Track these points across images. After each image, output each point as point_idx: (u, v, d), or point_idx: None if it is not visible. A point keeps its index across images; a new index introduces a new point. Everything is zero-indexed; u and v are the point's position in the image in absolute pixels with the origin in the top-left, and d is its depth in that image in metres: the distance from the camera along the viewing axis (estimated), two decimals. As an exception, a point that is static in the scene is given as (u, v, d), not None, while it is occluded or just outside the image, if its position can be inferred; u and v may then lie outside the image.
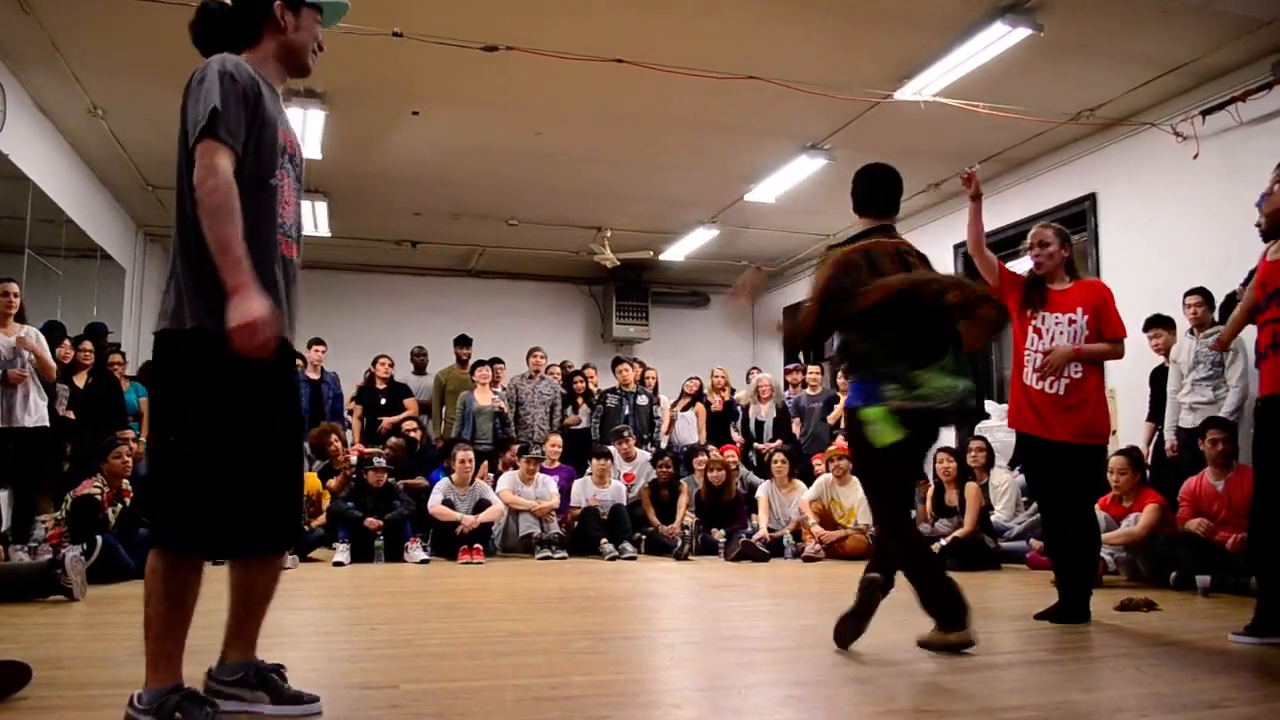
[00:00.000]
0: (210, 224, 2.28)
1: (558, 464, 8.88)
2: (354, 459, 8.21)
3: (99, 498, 5.94)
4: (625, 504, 8.29)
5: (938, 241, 10.00)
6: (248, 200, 2.37)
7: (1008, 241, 8.95)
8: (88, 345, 7.79)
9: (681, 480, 8.63)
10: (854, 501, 7.98)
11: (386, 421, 9.54)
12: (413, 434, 8.88)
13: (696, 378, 10.30)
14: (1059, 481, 4.40)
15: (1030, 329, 4.46)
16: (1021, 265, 4.91)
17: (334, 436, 8.20)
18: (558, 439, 9.02)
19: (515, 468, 8.49)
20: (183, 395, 2.39)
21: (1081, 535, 4.42)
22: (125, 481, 6.26)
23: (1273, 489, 3.51)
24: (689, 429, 9.94)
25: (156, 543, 2.41)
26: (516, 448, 8.85)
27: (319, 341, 9.56)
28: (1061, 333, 4.38)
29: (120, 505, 6.12)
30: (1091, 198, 8.07)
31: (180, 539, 2.38)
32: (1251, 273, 4.71)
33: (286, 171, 2.59)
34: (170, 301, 2.41)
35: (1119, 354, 4.48)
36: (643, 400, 9.75)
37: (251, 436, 2.42)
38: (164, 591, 2.35)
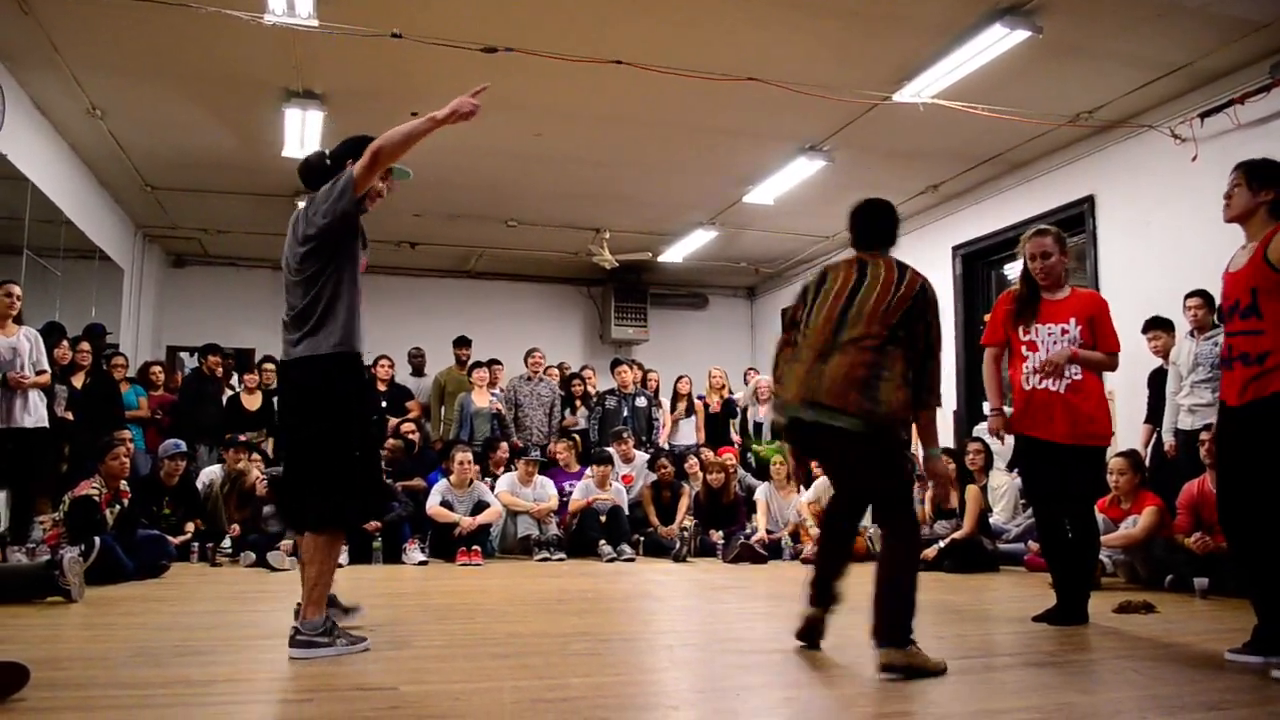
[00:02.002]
0: (400, 140, 3.59)
1: (577, 468, 8.83)
2: None
3: (97, 499, 5.94)
4: (626, 506, 8.28)
5: (937, 243, 10.03)
6: (349, 276, 3.58)
7: (1007, 244, 8.96)
8: (86, 346, 7.77)
9: (682, 483, 8.62)
10: (852, 503, 7.97)
11: (394, 423, 9.55)
12: (410, 435, 8.87)
13: (686, 376, 10.28)
14: (1059, 483, 4.38)
15: (1025, 347, 4.44)
16: (1013, 268, 4.91)
17: None
18: (565, 445, 8.99)
19: (506, 468, 8.50)
20: (357, 399, 3.57)
21: (1082, 537, 4.41)
22: (123, 482, 6.25)
23: (1235, 495, 3.48)
24: (689, 431, 9.94)
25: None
26: (505, 446, 8.85)
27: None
28: (1055, 342, 4.38)
29: (118, 506, 6.11)
30: (1090, 200, 8.08)
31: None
32: None
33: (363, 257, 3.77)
34: (338, 331, 3.48)
35: (1113, 366, 4.46)
36: (641, 402, 9.74)
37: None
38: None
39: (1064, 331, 4.37)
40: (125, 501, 6.18)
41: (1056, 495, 4.42)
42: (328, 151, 3.90)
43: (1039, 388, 4.38)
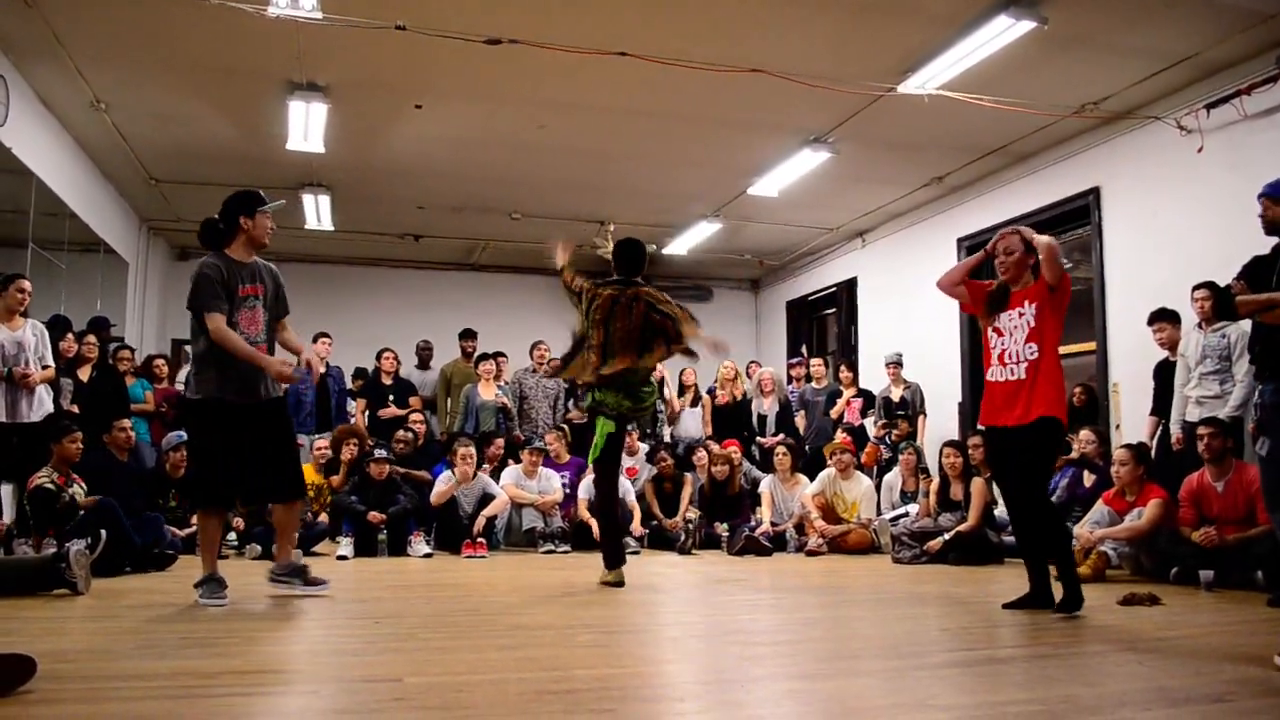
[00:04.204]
0: (235, 352, 4.44)
1: (567, 458, 8.84)
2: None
3: (51, 486, 5.87)
4: (633, 498, 8.27)
5: (941, 234, 10.02)
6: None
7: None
8: (91, 339, 7.79)
9: (685, 474, 8.62)
10: (857, 495, 7.98)
11: (385, 413, 9.54)
12: (417, 426, 8.89)
13: (691, 367, 10.22)
14: (1023, 466, 4.47)
15: (993, 331, 4.60)
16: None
17: (352, 441, 8.20)
18: (554, 435, 8.97)
19: (501, 463, 8.51)
20: (204, 433, 4.61)
21: (1041, 518, 4.48)
22: (71, 472, 6.11)
23: None
24: (695, 423, 9.91)
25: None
26: (501, 441, 8.87)
27: (324, 335, 9.56)
28: (1015, 325, 4.50)
29: (73, 490, 6.02)
30: (1095, 191, 8.05)
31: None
32: (1245, 266, 4.69)
33: (248, 307, 4.57)
34: (196, 383, 4.55)
35: (1056, 262, 4.41)
36: (646, 394, 9.71)
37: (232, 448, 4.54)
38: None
39: (1020, 314, 4.48)
40: (81, 486, 6.09)
41: (1020, 483, 4.52)
42: (218, 215, 4.66)
43: (999, 381, 4.51)
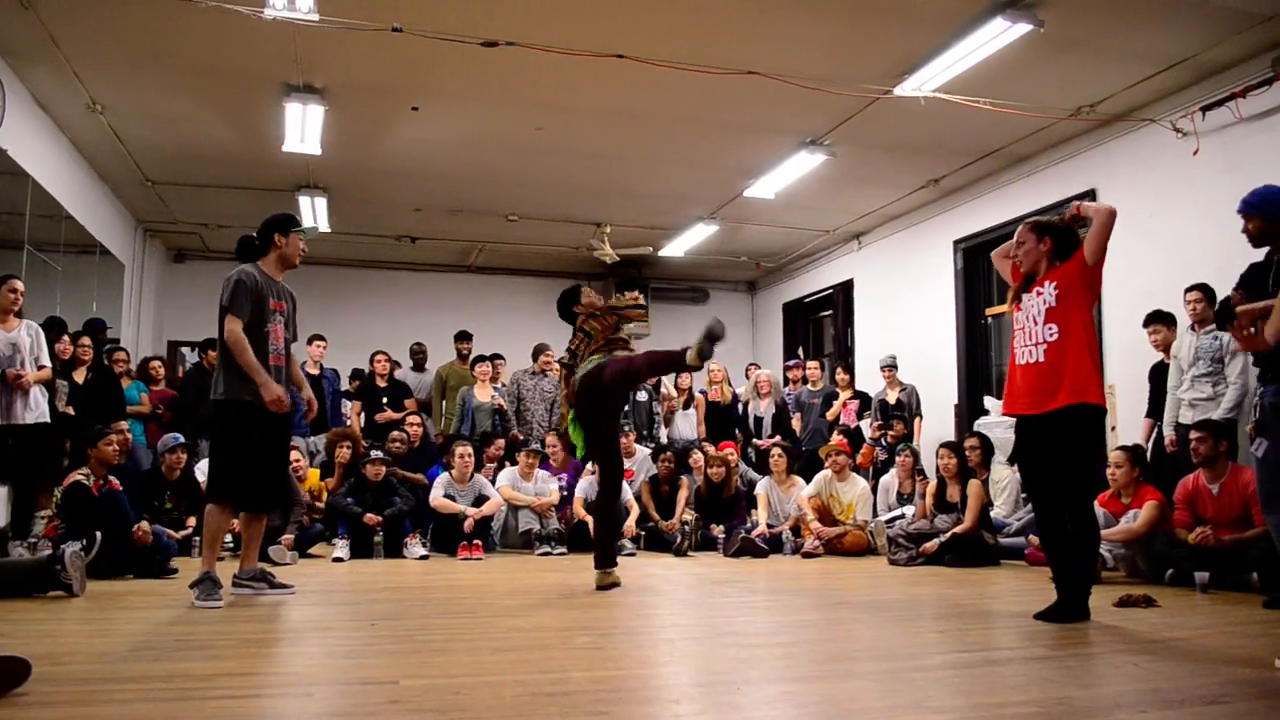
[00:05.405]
0: (241, 360, 4.63)
1: (565, 461, 8.83)
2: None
3: (88, 483, 5.92)
4: (632, 499, 8.26)
5: (938, 237, 10.04)
6: (254, 337, 4.68)
7: (1007, 238, 8.89)
8: (86, 341, 7.77)
9: (682, 476, 8.61)
10: (853, 497, 7.98)
11: (382, 417, 9.54)
12: (412, 429, 8.88)
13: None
14: (1054, 460, 4.31)
15: (1017, 312, 4.54)
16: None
17: (345, 444, 8.21)
18: (554, 438, 8.95)
19: (500, 463, 8.50)
20: (230, 432, 4.73)
21: (1078, 524, 4.30)
22: (111, 476, 6.15)
23: None
24: (688, 426, 9.92)
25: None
26: (502, 441, 8.85)
27: (319, 337, 9.55)
28: (1033, 305, 4.42)
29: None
30: (1091, 193, 8.05)
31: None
32: (1242, 275, 4.69)
33: (275, 321, 4.85)
34: (222, 384, 4.69)
35: (1106, 216, 4.54)
36: (642, 396, 9.73)
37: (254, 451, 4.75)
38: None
39: (1039, 294, 4.41)
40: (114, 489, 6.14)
41: (1052, 482, 4.36)
42: (255, 233, 4.99)
43: (1020, 364, 4.40)
